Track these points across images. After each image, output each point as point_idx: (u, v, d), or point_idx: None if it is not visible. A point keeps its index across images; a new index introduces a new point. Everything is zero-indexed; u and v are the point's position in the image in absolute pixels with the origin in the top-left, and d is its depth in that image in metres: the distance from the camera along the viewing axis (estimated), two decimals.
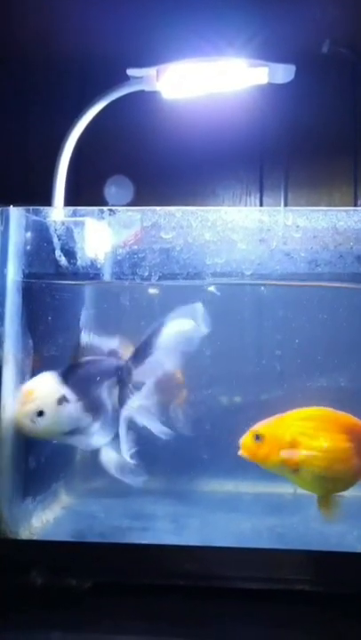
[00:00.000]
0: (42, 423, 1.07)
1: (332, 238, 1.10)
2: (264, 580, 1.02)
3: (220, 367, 1.33)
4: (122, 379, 1.16)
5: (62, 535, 1.11)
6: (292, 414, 1.09)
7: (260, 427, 1.07)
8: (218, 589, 1.02)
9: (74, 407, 1.10)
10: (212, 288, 1.22)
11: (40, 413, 1.06)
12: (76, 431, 1.12)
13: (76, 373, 1.13)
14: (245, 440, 1.07)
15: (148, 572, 1.03)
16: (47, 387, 1.09)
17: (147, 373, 1.14)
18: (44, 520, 1.14)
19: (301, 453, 1.06)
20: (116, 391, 1.16)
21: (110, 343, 1.19)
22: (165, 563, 1.04)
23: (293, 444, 1.06)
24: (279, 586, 1.02)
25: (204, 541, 1.10)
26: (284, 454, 1.06)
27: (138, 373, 1.15)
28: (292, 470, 1.06)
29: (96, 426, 1.14)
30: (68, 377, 1.11)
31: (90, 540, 1.07)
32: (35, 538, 1.08)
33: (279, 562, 1.02)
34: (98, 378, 1.15)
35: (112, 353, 1.19)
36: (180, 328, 1.14)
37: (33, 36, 1.72)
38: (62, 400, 1.09)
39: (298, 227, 1.10)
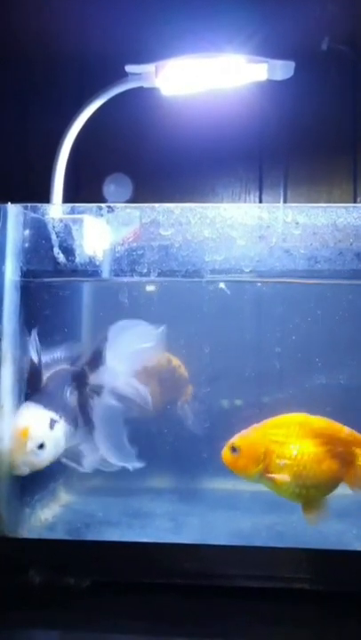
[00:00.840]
0: (45, 454, 1.06)
1: (331, 235, 1.09)
2: (263, 579, 1.02)
3: (218, 364, 1.33)
4: (80, 385, 1.16)
5: (60, 534, 1.10)
6: (267, 423, 1.10)
7: (236, 439, 1.09)
8: (217, 588, 1.02)
9: (62, 424, 1.10)
10: (222, 285, 1.23)
11: (41, 446, 1.06)
12: (70, 448, 1.13)
13: (48, 392, 1.13)
14: (224, 452, 1.08)
15: (146, 571, 1.03)
16: (36, 418, 1.08)
17: (104, 376, 1.15)
18: (43, 518, 1.14)
19: (273, 476, 1.07)
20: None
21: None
22: (164, 561, 1.03)
23: (267, 454, 1.07)
24: (278, 584, 1.01)
25: (203, 540, 1.09)
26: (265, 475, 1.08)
27: (95, 378, 1.15)
28: (271, 480, 1.07)
29: (82, 434, 1.14)
30: (44, 399, 1.11)
31: (88, 539, 1.07)
32: (33, 536, 1.08)
33: (279, 560, 1.02)
34: (65, 388, 1.15)
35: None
36: (129, 327, 1.15)
37: (31, 33, 1.71)
38: (53, 423, 1.09)
39: (297, 223, 1.10)
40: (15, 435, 1.05)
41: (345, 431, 1.08)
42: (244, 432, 1.09)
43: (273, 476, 1.06)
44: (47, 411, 1.09)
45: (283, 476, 1.06)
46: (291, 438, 1.08)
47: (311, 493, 1.07)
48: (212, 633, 0.93)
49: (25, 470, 1.05)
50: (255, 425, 1.10)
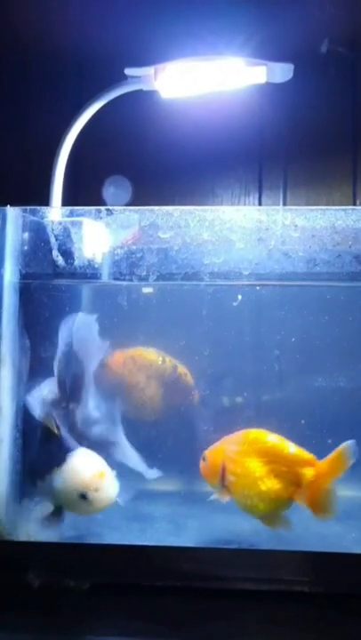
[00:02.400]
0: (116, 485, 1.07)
1: (330, 237, 1.09)
2: (263, 581, 1.02)
3: (218, 367, 1.33)
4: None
5: (59, 536, 1.10)
6: (229, 438, 1.13)
7: (207, 449, 1.13)
8: (216, 590, 1.02)
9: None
10: (239, 297, 1.23)
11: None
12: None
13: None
14: (201, 460, 1.13)
15: (145, 573, 1.03)
16: (94, 457, 1.09)
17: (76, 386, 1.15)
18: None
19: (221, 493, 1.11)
20: None
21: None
22: (163, 563, 1.03)
23: (223, 469, 1.11)
24: (278, 587, 1.01)
25: (203, 542, 1.09)
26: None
27: (73, 389, 1.16)
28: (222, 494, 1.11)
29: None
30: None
31: (87, 542, 1.07)
32: (32, 539, 1.08)
33: (278, 563, 1.02)
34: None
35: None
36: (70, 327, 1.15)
37: (31, 36, 1.72)
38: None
39: (296, 226, 1.10)
40: (90, 481, 1.05)
41: (290, 450, 1.08)
42: (216, 443, 1.14)
43: (221, 493, 1.11)
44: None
45: (224, 495, 1.11)
46: (239, 455, 1.10)
47: (260, 509, 1.09)
48: (211, 635, 0.93)
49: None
50: (225, 437, 1.13)
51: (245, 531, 1.11)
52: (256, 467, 1.09)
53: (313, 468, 1.06)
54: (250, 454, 1.10)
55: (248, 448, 1.10)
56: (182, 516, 1.21)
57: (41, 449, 1.10)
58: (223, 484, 1.11)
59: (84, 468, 1.07)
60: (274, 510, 1.08)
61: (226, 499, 1.11)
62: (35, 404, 1.12)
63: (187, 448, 1.28)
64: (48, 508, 1.09)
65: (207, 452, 1.14)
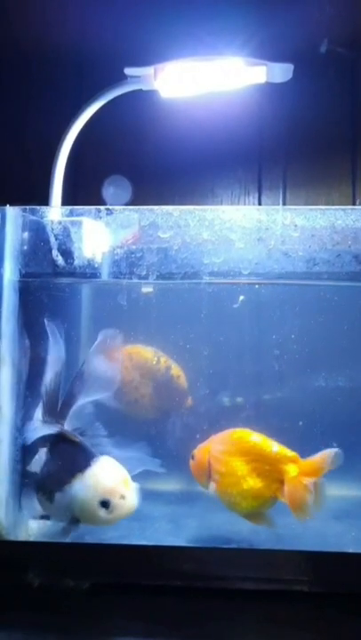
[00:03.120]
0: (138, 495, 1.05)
1: (330, 237, 1.09)
2: (262, 581, 1.02)
3: (217, 368, 1.33)
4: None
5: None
6: (216, 437, 1.15)
7: (196, 448, 1.15)
8: (216, 590, 1.02)
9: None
10: (241, 297, 1.23)
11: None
12: None
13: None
14: (190, 459, 1.15)
15: (145, 573, 1.03)
16: (118, 465, 1.06)
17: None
18: (41, 521, 1.14)
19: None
20: None
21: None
22: (163, 563, 1.03)
23: (210, 467, 1.13)
24: (278, 586, 1.01)
25: (202, 542, 1.09)
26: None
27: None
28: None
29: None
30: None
31: (87, 542, 1.07)
32: (32, 539, 1.08)
33: (278, 562, 1.02)
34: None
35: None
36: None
37: (30, 35, 1.72)
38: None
39: (296, 226, 1.10)
40: (115, 489, 1.03)
41: (273, 448, 1.09)
42: (204, 442, 1.15)
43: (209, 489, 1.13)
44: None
45: (210, 491, 1.12)
46: (223, 454, 1.12)
47: (243, 507, 1.10)
48: (210, 635, 0.93)
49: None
50: (213, 436, 1.15)
51: (236, 529, 1.12)
52: (239, 465, 1.10)
53: (296, 465, 1.07)
54: (234, 453, 1.11)
55: (232, 447, 1.11)
56: (177, 515, 1.21)
57: (59, 460, 1.08)
58: (210, 481, 1.13)
59: (109, 475, 1.04)
60: (257, 508, 1.09)
61: (212, 492, 1.12)
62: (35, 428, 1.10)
63: (176, 448, 1.28)
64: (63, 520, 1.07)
65: (195, 451, 1.15)
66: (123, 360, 1.30)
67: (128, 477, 1.04)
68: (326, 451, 1.05)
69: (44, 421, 1.09)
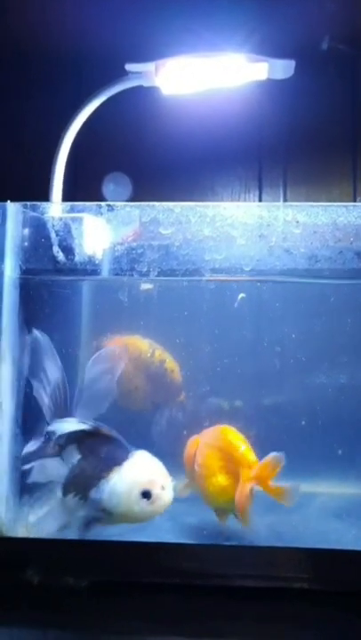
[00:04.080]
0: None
1: (332, 234, 1.09)
2: (262, 578, 1.02)
3: (215, 365, 1.32)
4: None
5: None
6: (207, 431, 1.17)
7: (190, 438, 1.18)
8: (216, 587, 1.02)
9: None
10: (241, 295, 1.23)
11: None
12: None
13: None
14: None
15: (145, 571, 1.03)
16: (150, 455, 1.06)
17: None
18: (41, 517, 1.14)
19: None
20: None
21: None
22: (163, 561, 1.03)
23: (194, 460, 1.15)
24: (278, 584, 1.01)
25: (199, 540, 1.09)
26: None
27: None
28: None
29: None
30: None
31: (87, 539, 1.06)
32: (31, 536, 1.08)
33: (278, 560, 1.02)
34: None
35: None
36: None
37: (29, 31, 1.71)
38: None
39: (297, 222, 1.10)
40: (157, 483, 1.02)
41: (240, 450, 1.09)
42: (197, 435, 1.18)
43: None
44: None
45: (183, 487, 1.15)
46: (205, 448, 1.13)
47: (210, 502, 1.12)
48: (210, 633, 0.93)
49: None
50: (207, 429, 1.17)
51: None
52: (213, 461, 1.11)
53: (249, 469, 1.07)
54: (213, 448, 1.12)
55: (214, 442, 1.13)
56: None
57: (94, 455, 1.06)
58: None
59: (150, 467, 1.03)
60: (223, 504, 1.10)
61: (184, 490, 1.15)
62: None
63: (164, 442, 1.28)
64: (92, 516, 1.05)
65: (189, 441, 1.17)
66: (120, 351, 1.30)
67: (165, 470, 1.03)
68: (268, 456, 1.06)
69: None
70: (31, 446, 1.10)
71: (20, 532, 1.07)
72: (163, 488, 1.01)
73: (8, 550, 1.04)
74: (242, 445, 1.10)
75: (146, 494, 1.01)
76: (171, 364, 1.34)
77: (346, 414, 1.27)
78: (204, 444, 1.14)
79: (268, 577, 1.02)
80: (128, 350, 1.32)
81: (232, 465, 1.09)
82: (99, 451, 1.06)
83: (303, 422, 1.27)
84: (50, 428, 1.09)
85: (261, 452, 1.08)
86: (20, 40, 1.72)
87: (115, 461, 1.03)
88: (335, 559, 1.02)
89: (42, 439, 1.10)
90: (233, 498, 1.08)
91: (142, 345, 1.34)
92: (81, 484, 1.05)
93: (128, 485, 1.01)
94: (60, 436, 1.07)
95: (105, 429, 1.07)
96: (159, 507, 1.01)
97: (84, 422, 1.07)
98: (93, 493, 1.03)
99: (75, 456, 1.07)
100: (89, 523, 1.04)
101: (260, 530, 1.08)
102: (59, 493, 1.07)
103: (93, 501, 1.03)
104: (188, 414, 1.31)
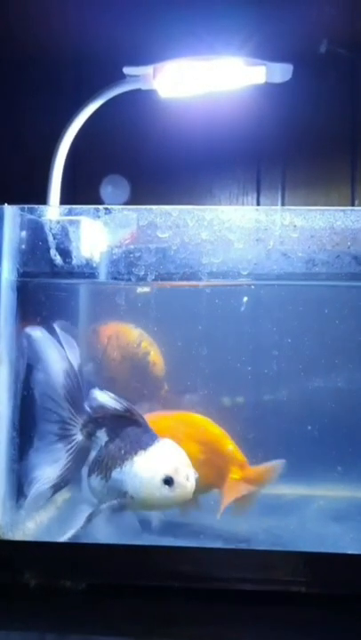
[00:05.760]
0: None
1: (329, 238, 1.09)
2: (260, 582, 1.01)
3: (215, 368, 1.32)
4: None
5: (55, 536, 1.10)
6: (163, 416, 1.16)
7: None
8: (213, 591, 1.01)
9: None
10: (245, 299, 1.24)
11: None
12: None
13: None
14: None
15: (142, 574, 1.03)
16: (176, 444, 1.05)
17: None
18: (38, 521, 1.14)
19: None
20: None
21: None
22: (160, 564, 1.03)
23: None
24: (275, 587, 1.01)
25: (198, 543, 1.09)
26: None
27: None
28: None
29: None
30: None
31: (84, 542, 1.06)
32: (29, 539, 1.07)
33: (275, 563, 1.02)
34: None
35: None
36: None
37: (28, 34, 1.71)
38: None
39: (295, 226, 1.10)
40: (184, 470, 1.01)
41: (229, 447, 1.11)
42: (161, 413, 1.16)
43: None
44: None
45: None
46: (178, 434, 1.11)
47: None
48: (208, 636, 0.93)
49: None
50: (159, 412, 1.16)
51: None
52: (194, 452, 1.11)
53: (242, 470, 1.09)
54: (189, 438, 1.12)
55: (192, 434, 1.13)
56: None
57: (122, 437, 1.05)
58: None
59: (175, 455, 1.02)
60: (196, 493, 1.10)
61: None
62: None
63: None
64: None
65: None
66: (110, 337, 1.30)
67: (190, 462, 1.02)
68: (273, 462, 1.07)
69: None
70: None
71: (17, 534, 1.07)
72: (187, 479, 1.01)
73: (5, 553, 1.04)
74: (230, 442, 1.11)
75: (168, 481, 1.00)
76: (155, 356, 1.34)
77: (340, 417, 1.27)
78: (183, 434, 1.12)
79: (266, 580, 1.02)
80: (117, 337, 1.32)
81: (216, 460, 1.10)
82: (126, 432, 1.05)
83: (299, 424, 1.27)
84: (88, 401, 1.08)
85: (252, 453, 1.10)
86: (19, 41, 1.72)
87: (140, 445, 1.03)
88: (333, 563, 1.02)
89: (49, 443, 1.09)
90: (205, 489, 1.09)
91: (131, 335, 1.34)
92: (106, 465, 1.05)
93: (152, 470, 1.01)
94: (96, 410, 1.07)
95: (135, 412, 1.06)
96: (180, 495, 1.01)
97: (118, 400, 1.07)
98: (116, 474, 1.03)
99: (103, 437, 1.07)
100: (114, 509, 1.04)
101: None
102: (84, 475, 1.07)
103: (116, 481, 1.03)
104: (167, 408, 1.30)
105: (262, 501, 1.24)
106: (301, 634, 0.94)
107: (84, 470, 1.07)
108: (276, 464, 1.07)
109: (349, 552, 1.03)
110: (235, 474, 1.08)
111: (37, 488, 1.04)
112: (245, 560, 1.03)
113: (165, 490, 1.00)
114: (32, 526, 1.10)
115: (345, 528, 1.12)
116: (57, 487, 1.05)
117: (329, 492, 1.27)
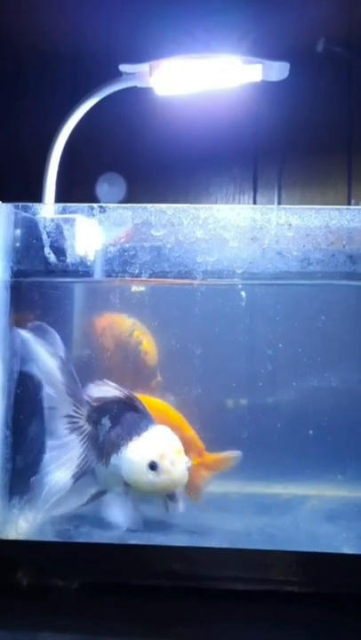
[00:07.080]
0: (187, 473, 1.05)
1: (324, 237, 1.09)
2: (253, 581, 1.01)
3: (210, 367, 1.32)
4: None
5: (48, 535, 1.10)
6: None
7: None
8: (206, 590, 1.01)
9: None
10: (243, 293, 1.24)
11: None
12: None
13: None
14: None
15: (135, 573, 1.03)
16: (169, 431, 1.07)
17: None
18: (31, 520, 1.13)
19: None
20: None
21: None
22: (153, 563, 1.03)
23: None
24: (268, 587, 1.01)
25: (194, 542, 1.09)
26: None
27: None
28: None
29: None
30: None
31: (77, 541, 1.06)
32: (21, 538, 1.07)
33: (268, 562, 1.02)
34: None
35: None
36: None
37: (24, 31, 1.71)
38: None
39: (290, 225, 1.10)
40: (170, 456, 1.03)
41: (190, 433, 1.12)
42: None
43: None
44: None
45: None
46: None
47: None
48: (199, 636, 0.93)
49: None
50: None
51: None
52: None
53: (200, 456, 1.10)
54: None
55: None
56: None
57: (121, 423, 1.08)
58: None
59: (162, 440, 1.04)
60: None
61: None
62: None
63: None
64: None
65: None
66: (104, 327, 1.30)
67: (182, 449, 1.04)
68: (230, 452, 1.09)
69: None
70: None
71: (10, 533, 1.07)
72: (172, 464, 1.02)
73: None
74: (189, 428, 1.12)
75: (153, 466, 1.02)
76: (148, 345, 1.34)
77: (335, 416, 1.27)
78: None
79: (259, 580, 1.02)
80: (111, 327, 1.32)
81: None
82: (125, 419, 1.08)
83: (293, 424, 1.27)
84: (89, 393, 1.10)
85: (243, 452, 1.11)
86: (15, 39, 1.71)
87: (136, 431, 1.06)
88: (326, 562, 1.02)
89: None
90: None
91: (124, 324, 1.34)
92: (106, 451, 1.08)
93: (140, 455, 1.04)
94: (96, 400, 1.09)
95: (136, 399, 1.09)
96: (165, 481, 1.02)
97: (116, 387, 1.10)
98: (114, 459, 1.07)
99: (107, 424, 1.09)
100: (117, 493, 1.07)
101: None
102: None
103: (114, 467, 1.07)
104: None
105: (256, 500, 1.25)
106: (294, 633, 0.94)
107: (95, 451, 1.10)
108: (234, 453, 1.09)
109: (343, 551, 1.03)
110: (194, 460, 1.08)
111: (57, 481, 1.06)
112: (239, 559, 1.03)
113: (151, 475, 1.02)
114: (25, 524, 1.10)
115: (338, 527, 1.12)
116: (77, 476, 1.07)
117: (323, 492, 1.27)
